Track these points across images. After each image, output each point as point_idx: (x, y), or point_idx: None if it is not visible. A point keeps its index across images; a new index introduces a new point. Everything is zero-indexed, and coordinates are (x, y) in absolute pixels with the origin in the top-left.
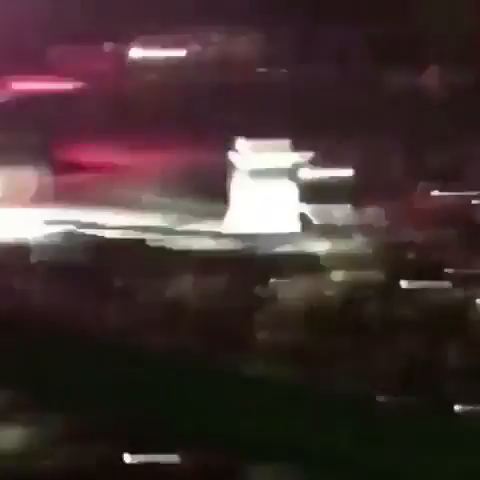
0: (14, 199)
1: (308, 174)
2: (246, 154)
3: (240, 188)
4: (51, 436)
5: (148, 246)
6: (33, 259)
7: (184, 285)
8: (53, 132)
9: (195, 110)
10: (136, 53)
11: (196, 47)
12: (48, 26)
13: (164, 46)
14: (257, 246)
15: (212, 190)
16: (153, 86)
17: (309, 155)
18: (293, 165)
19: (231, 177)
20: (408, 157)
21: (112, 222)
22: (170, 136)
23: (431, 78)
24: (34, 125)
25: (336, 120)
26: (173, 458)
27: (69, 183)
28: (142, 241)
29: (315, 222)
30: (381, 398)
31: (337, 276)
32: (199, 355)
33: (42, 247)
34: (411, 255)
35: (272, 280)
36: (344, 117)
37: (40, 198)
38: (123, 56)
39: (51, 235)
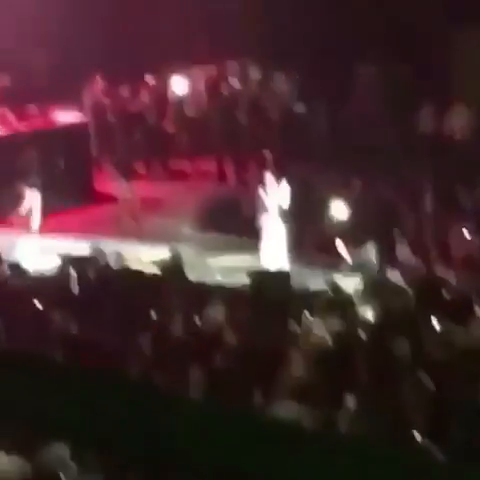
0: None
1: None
2: (274, 189)
3: (270, 223)
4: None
5: (185, 279)
6: (64, 289)
7: (218, 320)
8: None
9: (231, 145)
10: (177, 85)
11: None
12: None
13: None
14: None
15: (245, 224)
16: (190, 119)
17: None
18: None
19: (262, 212)
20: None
21: (145, 254)
22: (205, 169)
23: None
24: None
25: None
26: None
27: (101, 213)
28: (181, 273)
29: (349, 260)
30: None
31: (368, 313)
32: (229, 392)
33: (74, 277)
34: (444, 294)
35: (305, 316)
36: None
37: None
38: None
39: (83, 264)
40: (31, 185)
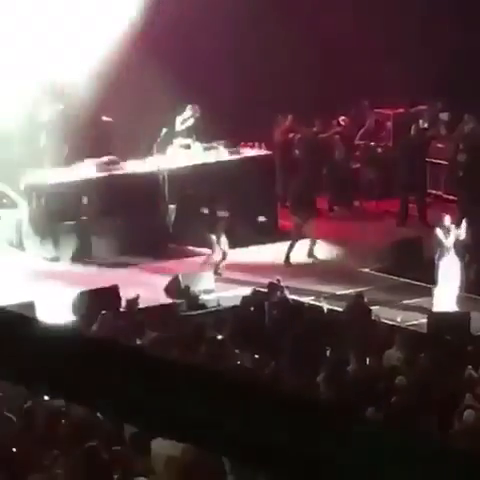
0: None
1: None
2: (452, 230)
3: (448, 265)
4: None
5: (370, 319)
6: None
7: (393, 360)
8: None
9: (415, 186)
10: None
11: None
12: None
13: None
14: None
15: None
16: (377, 158)
17: None
18: None
19: (439, 253)
20: None
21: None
22: (388, 210)
23: None
24: None
25: None
26: None
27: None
28: (367, 313)
29: None
30: None
31: None
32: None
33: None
34: None
35: None
36: None
37: None
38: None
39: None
40: (217, 220)
